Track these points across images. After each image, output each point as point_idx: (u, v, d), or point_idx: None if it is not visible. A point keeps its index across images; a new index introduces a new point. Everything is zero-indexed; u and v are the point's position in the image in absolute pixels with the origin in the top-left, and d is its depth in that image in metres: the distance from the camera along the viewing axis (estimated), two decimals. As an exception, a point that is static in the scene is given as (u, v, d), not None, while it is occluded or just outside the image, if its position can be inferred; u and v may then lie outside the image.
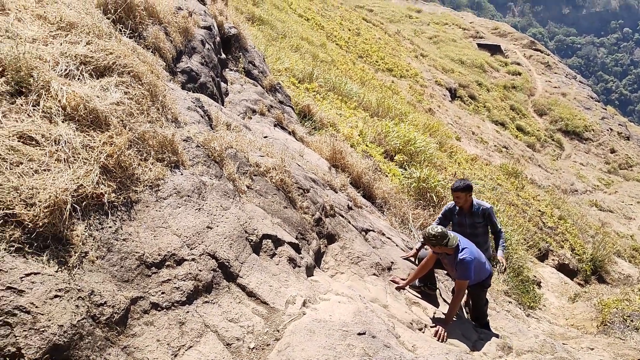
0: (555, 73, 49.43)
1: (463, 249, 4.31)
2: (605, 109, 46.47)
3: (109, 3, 5.33)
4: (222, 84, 7.46)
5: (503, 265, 5.45)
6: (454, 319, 4.54)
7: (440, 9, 63.36)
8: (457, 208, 5.29)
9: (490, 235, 5.52)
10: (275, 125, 7.56)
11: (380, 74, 28.40)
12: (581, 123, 39.33)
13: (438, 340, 4.03)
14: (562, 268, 12.38)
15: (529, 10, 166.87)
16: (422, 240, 5.12)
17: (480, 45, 49.71)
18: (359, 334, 2.95)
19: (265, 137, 6.20)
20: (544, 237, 12.98)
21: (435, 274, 5.26)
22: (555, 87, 45.67)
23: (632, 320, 6.93)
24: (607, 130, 40.79)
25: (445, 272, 5.61)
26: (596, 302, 8.82)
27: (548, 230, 14.09)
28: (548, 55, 53.39)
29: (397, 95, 23.66)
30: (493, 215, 5.29)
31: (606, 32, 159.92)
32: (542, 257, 12.34)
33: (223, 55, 8.20)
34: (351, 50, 30.09)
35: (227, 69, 8.30)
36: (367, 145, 10.33)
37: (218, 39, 8.00)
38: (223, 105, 6.91)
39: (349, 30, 34.20)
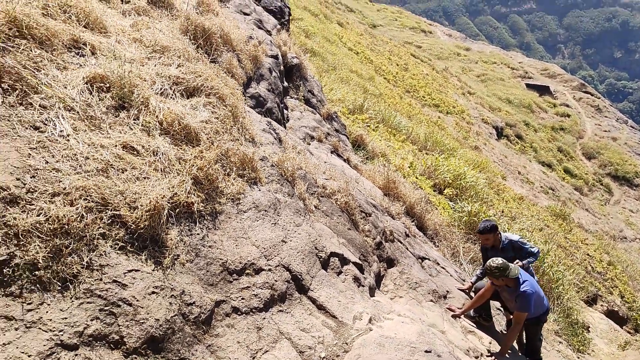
0: (606, 117, 48.45)
1: (524, 282, 4.37)
2: (658, 156, 45.03)
3: (189, 30, 5.73)
4: (284, 110, 7.78)
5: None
6: (509, 351, 4.57)
7: (489, 48, 63.37)
8: (489, 247, 5.24)
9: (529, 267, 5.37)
10: (332, 152, 7.80)
11: (427, 109, 28.55)
12: (632, 169, 38.26)
13: (493, 370, 4.07)
14: (611, 315, 12.03)
15: (579, 53, 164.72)
16: (483, 273, 5.17)
17: (528, 86, 49.33)
18: (426, 351, 3.07)
19: (325, 162, 6.43)
20: (592, 281, 12.67)
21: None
22: (605, 131, 44.71)
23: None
24: (659, 177, 39.49)
25: (499, 304, 5.63)
26: (649, 351, 8.57)
27: (597, 275, 13.75)
28: (598, 98, 52.46)
29: (444, 131, 23.72)
30: (523, 243, 5.20)
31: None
32: (591, 301, 12.04)
33: (285, 83, 8.55)
34: (399, 84, 30.41)
35: (288, 97, 8.65)
36: (417, 177, 10.45)
37: (282, 67, 8.37)
38: (285, 129, 7.20)
39: (397, 65, 34.62)
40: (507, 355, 4.43)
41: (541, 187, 28.58)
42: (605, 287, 13.20)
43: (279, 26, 10.45)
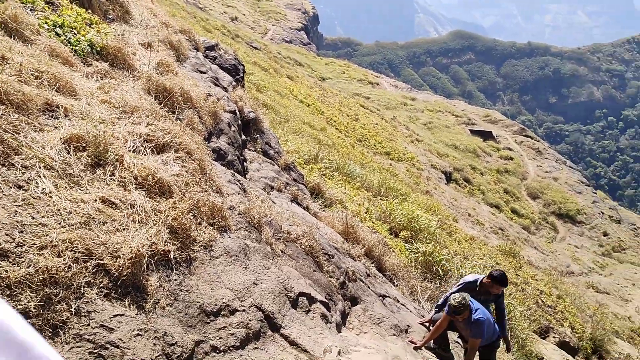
0: (546, 158, 51.07)
1: (476, 310, 4.73)
2: (596, 193, 47.67)
3: (151, 90, 6.05)
4: (244, 162, 8.10)
5: (510, 346, 5.83)
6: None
7: (433, 97, 66.23)
8: (481, 290, 5.56)
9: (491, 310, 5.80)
10: (292, 201, 8.12)
11: (379, 157, 29.46)
12: (573, 207, 40.22)
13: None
14: (564, 346, 12.55)
15: (517, 99, 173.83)
16: (439, 307, 5.52)
17: (472, 132, 51.62)
18: (393, 376, 3.35)
19: (287, 210, 6.73)
20: (543, 314, 13.23)
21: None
22: (547, 172, 47.04)
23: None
24: (599, 213, 41.66)
25: (457, 335, 5.96)
26: (600, 377, 9.01)
27: (547, 308, 14.34)
28: (538, 141, 55.38)
29: (396, 177, 24.51)
30: (503, 296, 5.68)
31: (592, 120, 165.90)
32: (544, 333, 12.54)
33: (243, 137, 8.91)
34: (350, 134, 31.32)
35: (246, 149, 8.99)
36: (373, 222, 10.86)
37: (239, 121, 8.74)
38: (246, 180, 7.50)
39: (348, 115, 35.75)
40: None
41: (491, 227, 29.64)
42: (556, 320, 13.78)
43: (234, 83, 10.91)
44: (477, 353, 5.25)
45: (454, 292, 5.20)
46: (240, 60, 12.39)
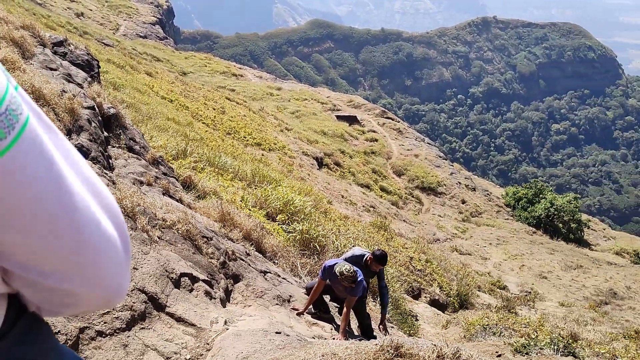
0: (407, 137, 54.63)
1: (356, 271, 5.18)
2: (453, 166, 52.08)
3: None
4: (109, 159, 7.85)
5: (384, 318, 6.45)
6: (347, 335, 5.31)
7: (298, 86, 67.56)
8: (365, 265, 6.14)
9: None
10: (164, 194, 8.04)
11: (250, 149, 29.59)
12: (434, 179, 43.62)
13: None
14: (434, 303, 13.82)
15: (377, 84, 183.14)
16: (342, 278, 5.90)
17: (338, 117, 53.60)
18: (276, 332, 3.60)
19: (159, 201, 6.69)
20: (415, 278, 14.40)
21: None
22: (408, 150, 50.41)
23: (490, 328, 8.21)
24: (457, 184, 45.62)
25: (330, 298, 6.37)
26: (464, 323, 10.12)
27: (418, 272, 15.61)
28: (399, 122, 59.03)
29: (269, 167, 24.86)
30: (383, 273, 6.42)
31: (444, 99, 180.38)
32: (416, 296, 13.68)
33: (105, 133, 8.60)
34: (218, 127, 31.01)
35: (110, 146, 8.69)
36: (249, 209, 11.04)
37: (100, 118, 8.43)
38: (114, 177, 7.30)
39: (214, 109, 35.33)
40: (346, 336, 5.16)
41: (363, 206, 31.22)
42: (426, 281, 15.07)
43: (89, 79, 10.44)
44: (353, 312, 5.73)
45: (344, 262, 5.57)
46: (93, 56, 11.83)
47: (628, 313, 21.44)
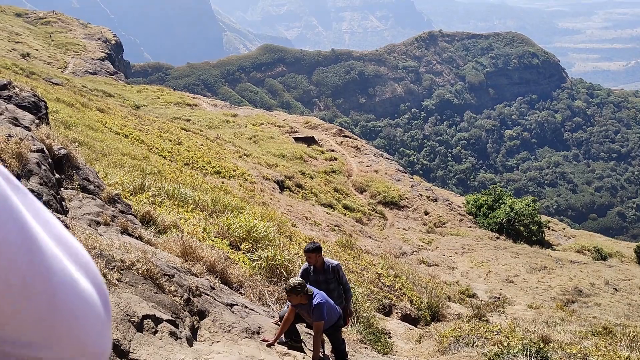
0: (365, 154, 55.22)
1: (315, 295, 5.12)
2: (413, 178, 52.86)
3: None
4: (62, 202, 7.60)
5: (347, 317, 6.55)
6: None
7: (254, 111, 67.57)
8: (312, 267, 6.31)
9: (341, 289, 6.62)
10: (122, 233, 7.82)
11: (210, 177, 29.27)
12: (396, 193, 44.10)
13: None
14: (406, 318, 13.84)
15: (331, 104, 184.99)
16: (287, 291, 5.86)
17: (296, 139, 53.79)
18: (247, 369, 3.52)
19: (116, 242, 6.50)
20: (385, 294, 14.41)
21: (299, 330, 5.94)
22: (368, 166, 50.91)
23: (463, 339, 8.26)
24: (418, 196, 46.26)
25: (305, 325, 6.34)
26: (437, 336, 10.15)
27: (387, 288, 15.64)
28: (356, 139, 59.67)
29: (230, 194, 24.60)
30: (341, 270, 6.44)
31: (399, 114, 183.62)
32: (387, 312, 13.68)
33: (57, 175, 8.34)
34: (176, 159, 30.60)
35: (62, 188, 8.42)
36: (212, 240, 10.86)
37: (50, 160, 8.17)
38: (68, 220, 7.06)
39: (170, 140, 34.91)
40: (319, 362, 5.10)
41: (328, 226, 31.21)
42: (396, 297, 15.10)
43: (37, 121, 10.16)
44: (325, 335, 5.67)
45: (294, 277, 5.66)
46: (40, 97, 11.53)
47: (595, 309, 22.04)
